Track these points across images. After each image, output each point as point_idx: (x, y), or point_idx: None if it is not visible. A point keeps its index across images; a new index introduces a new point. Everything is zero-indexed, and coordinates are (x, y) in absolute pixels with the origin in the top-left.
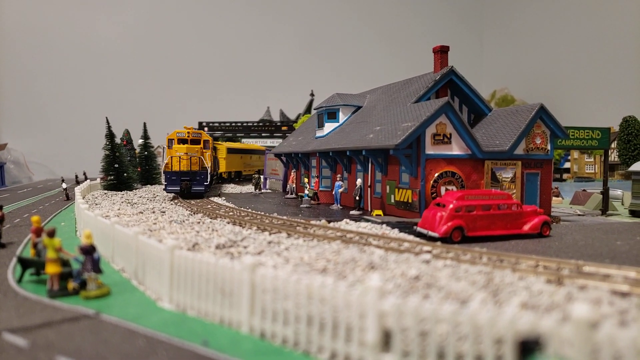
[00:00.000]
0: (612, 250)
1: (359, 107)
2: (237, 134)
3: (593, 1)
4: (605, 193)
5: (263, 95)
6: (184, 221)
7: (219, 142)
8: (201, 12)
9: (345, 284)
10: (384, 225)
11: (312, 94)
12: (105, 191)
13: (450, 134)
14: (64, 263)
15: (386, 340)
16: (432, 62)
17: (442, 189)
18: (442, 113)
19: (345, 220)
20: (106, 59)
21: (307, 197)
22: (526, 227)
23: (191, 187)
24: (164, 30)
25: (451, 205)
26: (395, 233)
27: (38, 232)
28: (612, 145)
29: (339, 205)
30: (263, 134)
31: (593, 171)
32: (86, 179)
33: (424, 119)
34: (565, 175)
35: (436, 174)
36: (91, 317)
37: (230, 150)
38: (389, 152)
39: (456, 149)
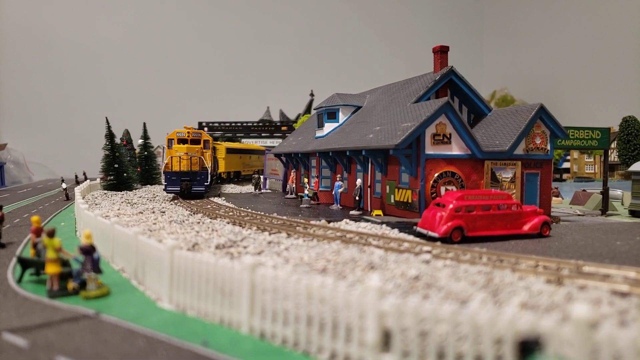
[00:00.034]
0: (611, 251)
1: (359, 107)
2: (237, 134)
3: (593, 1)
4: (605, 193)
5: (263, 95)
6: (183, 221)
7: (218, 142)
8: (201, 12)
9: (345, 284)
10: (384, 226)
11: (312, 94)
12: (105, 191)
13: (450, 134)
14: (64, 263)
15: (386, 341)
16: (432, 62)
17: (442, 189)
18: (442, 113)
19: (345, 220)
20: (106, 59)
21: (307, 197)
22: (526, 227)
23: (191, 187)
24: (164, 30)
25: (451, 206)
26: (395, 233)
27: (38, 232)
28: (612, 146)
29: (338, 206)
30: (263, 134)
31: (593, 171)
32: (86, 179)
33: (424, 119)
34: (565, 175)
35: (436, 174)
36: (91, 317)
37: (229, 150)
38: (389, 152)
39: (456, 149)
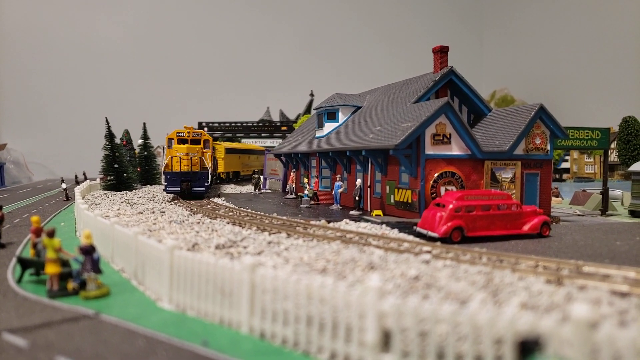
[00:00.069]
0: (611, 251)
1: (359, 107)
2: (237, 134)
3: (593, 1)
4: (604, 193)
5: (263, 96)
6: (183, 221)
7: (218, 142)
8: (201, 12)
9: (344, 284)
10: (384, 226)
11: (312, 94)
12: (105, 191)
13: (450, 134)
14: (64, 263)
15: (386, 341)
16: (432, 62)
17: (442, 189)
18: (441, 113)
19: (344, 220)
20: (106, 59)
21: (306, 197)
22: (526, 228)
23: (192, 187)
24: (164, 30)
25: (451, 206)
26: (394, 233)
27: (38, 232)
28: (612, 146)
29: (338, 206)
30: (263, 134)
31: (593, 171)
32: (86, 179)
33: (424, 119)
34: (564, 176)
35: (436, 174)
36: (91, 318)
37: (228, 151)
38: (389, 153)
39: (456, 149)
